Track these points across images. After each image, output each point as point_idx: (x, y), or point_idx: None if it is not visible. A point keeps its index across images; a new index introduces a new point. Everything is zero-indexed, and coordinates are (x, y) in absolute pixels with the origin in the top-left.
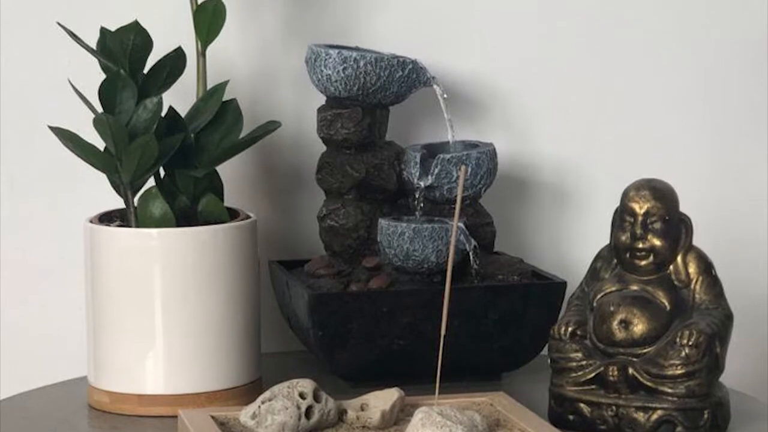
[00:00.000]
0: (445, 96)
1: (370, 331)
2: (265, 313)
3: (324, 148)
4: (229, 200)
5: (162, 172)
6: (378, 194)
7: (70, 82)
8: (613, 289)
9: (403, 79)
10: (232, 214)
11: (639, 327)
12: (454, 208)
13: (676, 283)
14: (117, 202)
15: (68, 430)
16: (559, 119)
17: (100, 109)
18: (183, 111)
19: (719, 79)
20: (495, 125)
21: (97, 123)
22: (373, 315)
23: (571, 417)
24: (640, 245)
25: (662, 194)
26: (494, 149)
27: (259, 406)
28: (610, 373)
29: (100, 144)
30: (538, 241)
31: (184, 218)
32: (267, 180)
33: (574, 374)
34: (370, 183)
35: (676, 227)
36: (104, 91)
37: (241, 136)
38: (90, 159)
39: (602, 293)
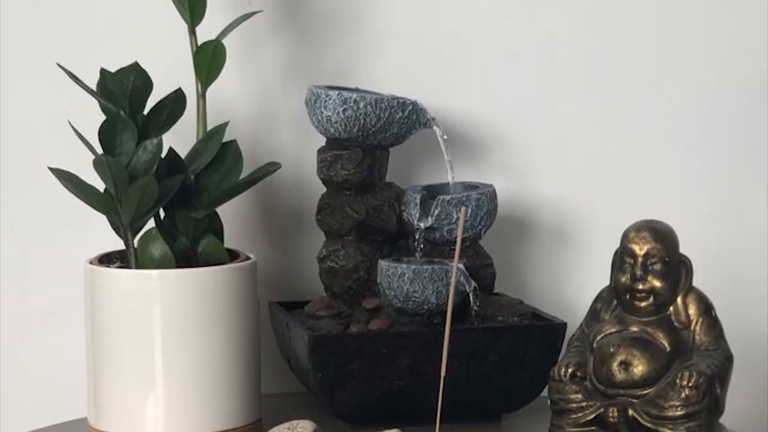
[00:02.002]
0: (444, 137)
1: (370, 373)
2: (265, 354)
3: (324, 189)
4: (229, 241)
5: (162, 214)
6: (378, 235)
7: (70, 123)
8: (613, 330)
9: (403, 121)
10: (232, 255)
11: (639, 368)
12: (454, 250)
13: (676, 324)
14: (117, 244)
15: None
16: (559, 160)
17: (100, 151)
18: (183, 152)
19: (719, 120)
20: (495, 166)
21: (97, 164)
22: (373, 356)
23: None
24: (640, 286)
25: (662, 236)
26: (494, 190)
27: None
28: (611, 415)
29: (100, 185)
30: (538, 282)
31: (184, 259)
32: (267, 221)
33: (574, 415)
34: (370, 224)
35: (676, 268)
36: (104, 133)
37: (241, 177)
38: (90, 200)
39: (602, 334)
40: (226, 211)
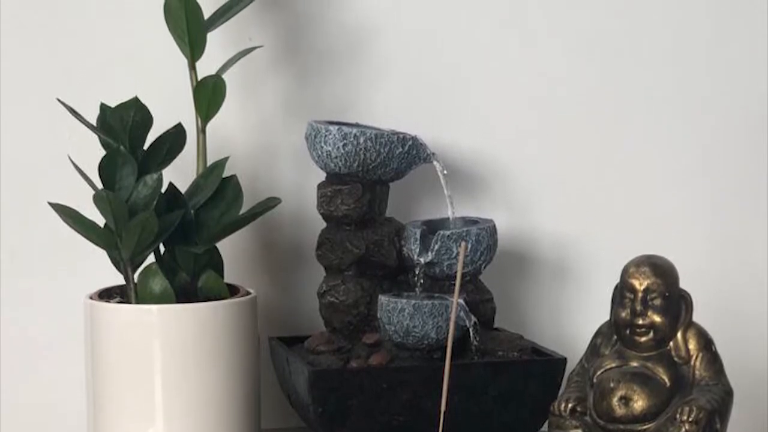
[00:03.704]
0: (444, 172)
1: (370, 408)
2: (265, 390)
3: (324, 224)
4: (229, 276)
5: (162, 249)
6: (378, 270)
7: (70, 158)
8: (613, 365)
9: (403, 156)
10: (232, 291)
11: (639, 403)
12: (454, 285)
13: (676, 359)
14: (117, 279)
15: None
16: (559, 195)
17: (100, 186)
18: (183, 187)
19: (719, 154)
20: (495, 201)
21: (97, 199)
22: (373, 391)
23: None
24: (640, 322)
25: (662, 271)
26: (494, 225)
27: None
28: None
29: (100, 220)
30: (538, 317)
31: (184, 294)
32: (267, 256)
33: None
34: (370, 259)
35: (676, 304)
36: (104, 168)
37: (241, 212)
38: (90, 235)
39: (602, 369)
40: (226, 246)
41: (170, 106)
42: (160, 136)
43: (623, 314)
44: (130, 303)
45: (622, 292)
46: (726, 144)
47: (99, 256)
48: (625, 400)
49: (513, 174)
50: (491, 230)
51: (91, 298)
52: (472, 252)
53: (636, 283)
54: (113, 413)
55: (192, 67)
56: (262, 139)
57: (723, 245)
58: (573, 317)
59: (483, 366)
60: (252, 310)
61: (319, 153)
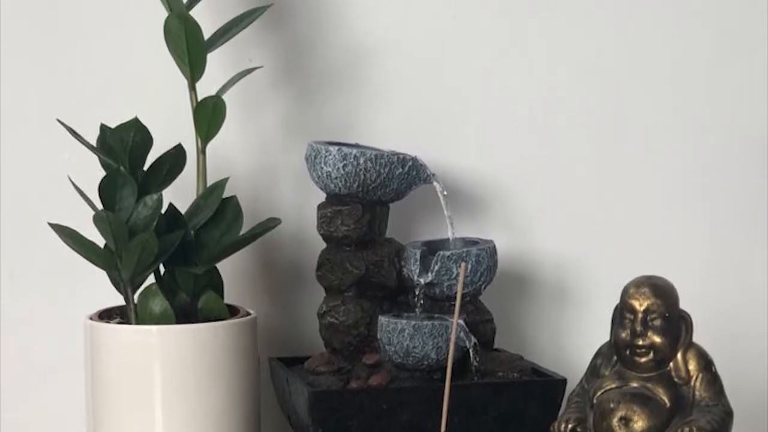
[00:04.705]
0: (445, 193)
1: (370, 428)
2: (265, 410)
3: (324, 245)
4: (229, 297)
5: (162, 269)
6: (378, 291)
7: (70, 178)
8: (613, 386)
9: (403, 176)
10: (232, 311)
11: (639, 424)
12: (454, 305)
13: (676, 380)
14: (117, 299)
15: None
16: (559, 216)
17: (100, 206)
18: (183, 208)
19: (719, 177)
20: (495, 222)
21: (97, 220)
22: (373, 412)
23: None
24: (640, 342)
25: (662, 291)
26: (494, 246)
27: None
28: None
29: (100, 241)
30: (538, 338)
31: (184, 315)
32: (267, 277)
33: None
34: (370, 280)
35: (676, 324)
36: (104, 188)
37: (241, 233)
38: (90, 256)
39: (602, 390)
40: (226, 266)
41: (170, 127)
42: (160, 157)
43: (623, 335)
44: (130, 324)
45: (622, 313)
46: (725, 166)
47: (99, 277)
48: (625, 421)
49: (513, 195)
50: (491, 251)
51: (91, 318)
52: (472, 273)
53: (636, 303)
54: None
55: (192, 88)
56: (262, 160)
57: (723, 266)
58: (573, 338)
59: (483, 387)
60: (252, 331)
61: (319, 173)
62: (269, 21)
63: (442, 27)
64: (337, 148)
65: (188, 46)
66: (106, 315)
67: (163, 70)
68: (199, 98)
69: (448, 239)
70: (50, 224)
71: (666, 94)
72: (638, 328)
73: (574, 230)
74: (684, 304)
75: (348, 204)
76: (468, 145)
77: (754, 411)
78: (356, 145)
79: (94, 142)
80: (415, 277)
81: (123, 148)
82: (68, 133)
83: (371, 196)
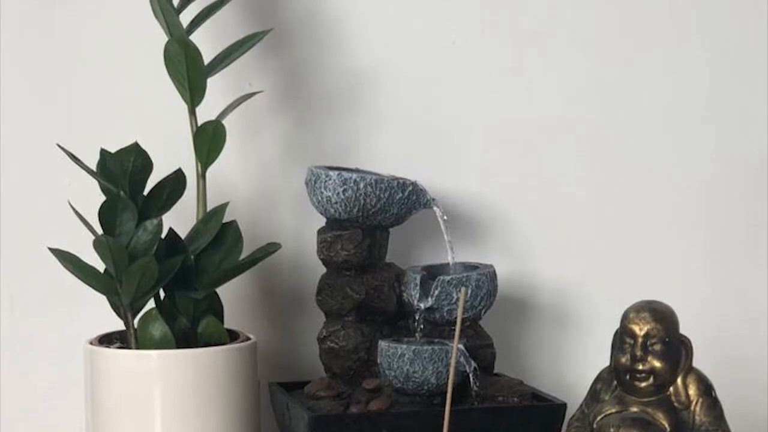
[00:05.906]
0: (444, 218)
1: None
2: None
3: (324, 269)
4: (229, 322)
5: (162, 294)
6: (378, 316)
7: (70, 203)
8: (613, 410)
9: (403, 201)
10: (232, 336)
11: None
12: (454, 330)
13: (676, 404)
14: (117, 324)
15: None
16: (559, 240)
17: (100, 231)
18: (183, 232)
19: (719, 200)
20: (495, 247)
21: (97, 245)
22: None
23: None
24: (640, 367)
25: (662, 316)
26: (494, 271)
27: None
28: None
29: (100, 266)
30: (538, 363)
31: (184, 340)
32: (267, 301)
33: None
34: (370, 305)
35: (676, 349)
36: (104, 213)
37: (241, 257)
38: (90, 281)
39: (602, 415)
40: (226, 291)
41: (170, 152)
42: (160, 182)
43: (623, 359)
44: (130, 348)
45: (622, 338)
46: (726, 191)
47: (99, 302)
48: None
49: (513, 220)
50: (491, 275)
51: (91, 343)
52: (472, 297)
53: (636, 328)
54: None
55: (192, 113)
56: (262, 185)
57: (723, 291)
58: (573, 363)
59: (483, 411)
60: (252, 356)
61: (319, 198)
62: (269, 46)
63: (441, 51)
64: (337, 172)
65: (188, 71)
66: (106, 339)
67: (163, 94)
68: (199, 123)
69: (448, 264)
70: (50, 249)
71: (666, 118)
72: (638, 353)
73: (574, 255)
74: (684, 329)
75: (348, 229)
76: (468, 170)
77: None
78: (356, 170)
79: (94, 167)
80: (415, 302)
81: (123, 172)
82: (68, 158)
83: (371, 221)
